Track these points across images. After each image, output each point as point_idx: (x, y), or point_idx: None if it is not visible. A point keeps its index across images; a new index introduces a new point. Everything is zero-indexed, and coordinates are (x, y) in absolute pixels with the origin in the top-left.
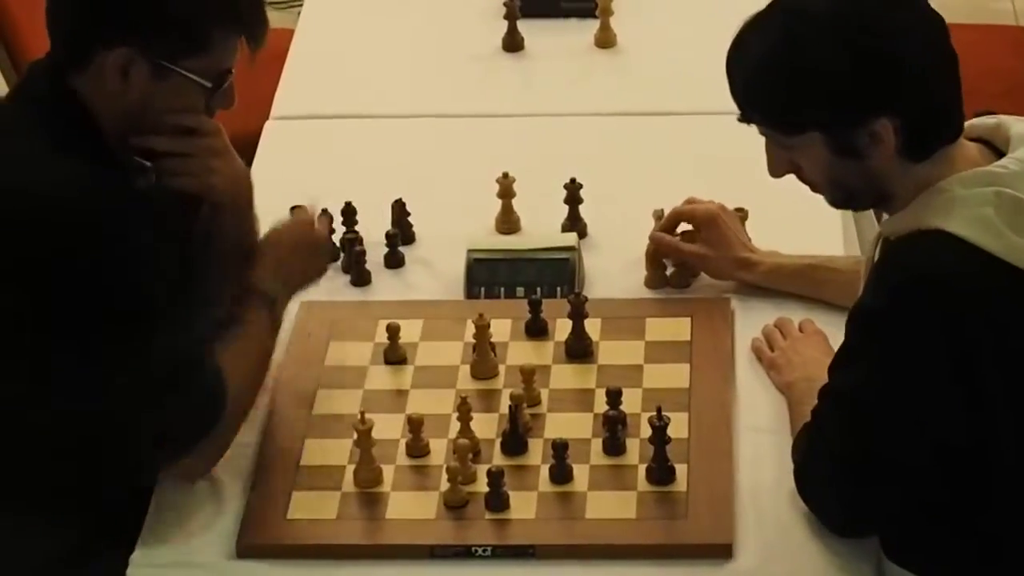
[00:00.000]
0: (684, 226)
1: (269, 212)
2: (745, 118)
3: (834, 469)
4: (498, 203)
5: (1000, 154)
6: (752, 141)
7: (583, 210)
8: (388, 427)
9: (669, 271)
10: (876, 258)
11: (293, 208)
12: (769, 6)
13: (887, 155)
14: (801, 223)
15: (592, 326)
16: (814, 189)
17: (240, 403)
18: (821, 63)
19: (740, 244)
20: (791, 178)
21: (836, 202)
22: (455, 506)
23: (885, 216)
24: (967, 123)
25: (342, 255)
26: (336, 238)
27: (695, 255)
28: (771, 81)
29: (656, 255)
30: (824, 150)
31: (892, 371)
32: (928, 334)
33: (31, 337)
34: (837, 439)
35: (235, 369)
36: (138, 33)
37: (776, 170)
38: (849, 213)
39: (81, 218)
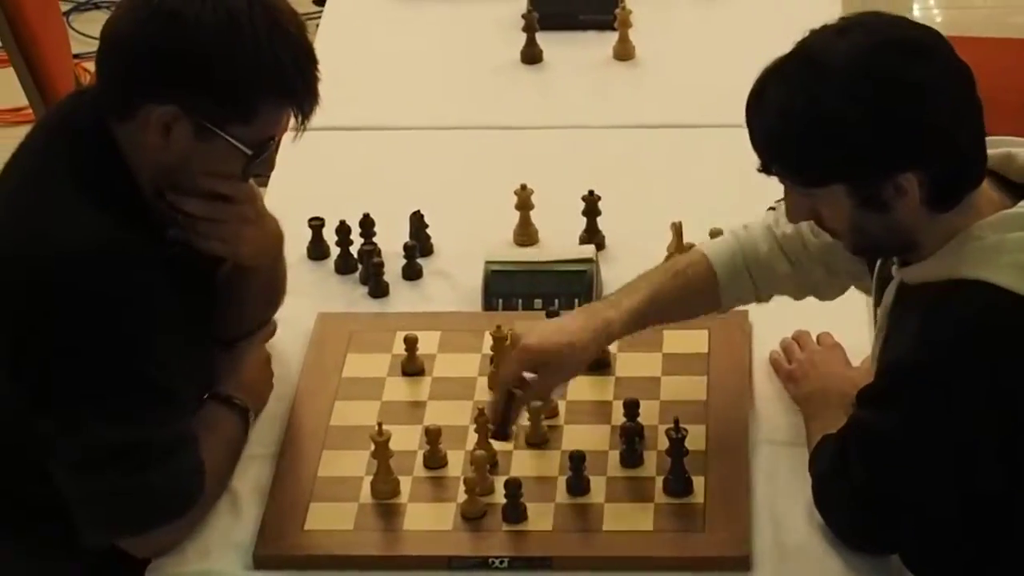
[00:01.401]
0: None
1: (288, 224)
2: (765, 168)
3: (852, 494)
4: (516, 215)
5: (1012, 184)
6: None
7: (601, 222)
8: (406, 438)
9: None
10: (893, 303)
11: (311, 220)
12: (790, 54)
13: (912, 207)
14: None
15: None
16: (834, 236)
17: (211, 492)
18: (841, 119)
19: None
20: None
21: (857, 250)
22: (472, 517)
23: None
24: None
25: (360, 267)
26: (354, 250)
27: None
28: (791, 135)
29: None
30: (846, 200)
31: (930, 424)
32: (974, 387)
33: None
34: (861, 474)
35: (211, 463)
36: (188, 93)
37: (795, 217)
38: None
39: (91, 284)
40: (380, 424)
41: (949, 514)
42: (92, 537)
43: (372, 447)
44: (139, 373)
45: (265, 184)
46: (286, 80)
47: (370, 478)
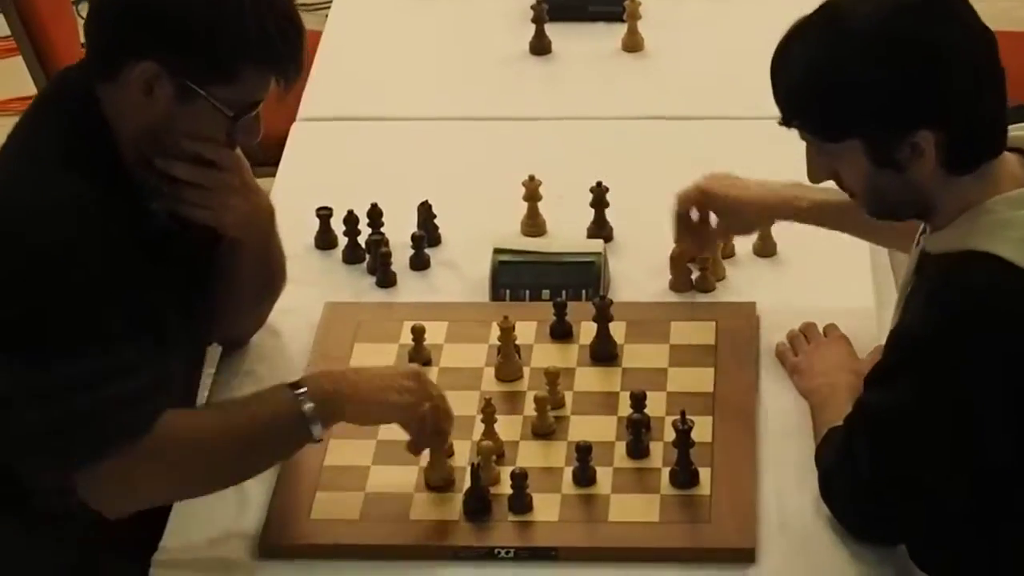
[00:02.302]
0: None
1: (296, 213)
2: (786, 122)
3: (859, 484)
4: (524, 206)
5: None
6: (781, 148)
7: (609, 213)
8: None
9: (694, 275)
10: (914, 269)
11: (319, 210)
12: (814, 13)
13: (928, 168)
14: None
15: (617, 329)
16: (853, 197)
17: (179, 458)
18: (862, 76)
19: (754, 197)
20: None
21: (874, 212)
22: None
23: (924, 227)
24: None
25: (367, 256)
26: (362, 240)
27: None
28: (812, 90)
29: (681, 259)
30: (864, 159)
31: (937, 396)
32: (977, 358)
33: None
34: (866, 456)
35: (198, 423)
36: (168, 50)
37: (816, 176)
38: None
39: (57, 238)
40: None
41: (955, 497)
42: (42, 478)
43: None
44: (93, 321)
45: (273, 174)
46: (269, 45)
47: (376, 468)
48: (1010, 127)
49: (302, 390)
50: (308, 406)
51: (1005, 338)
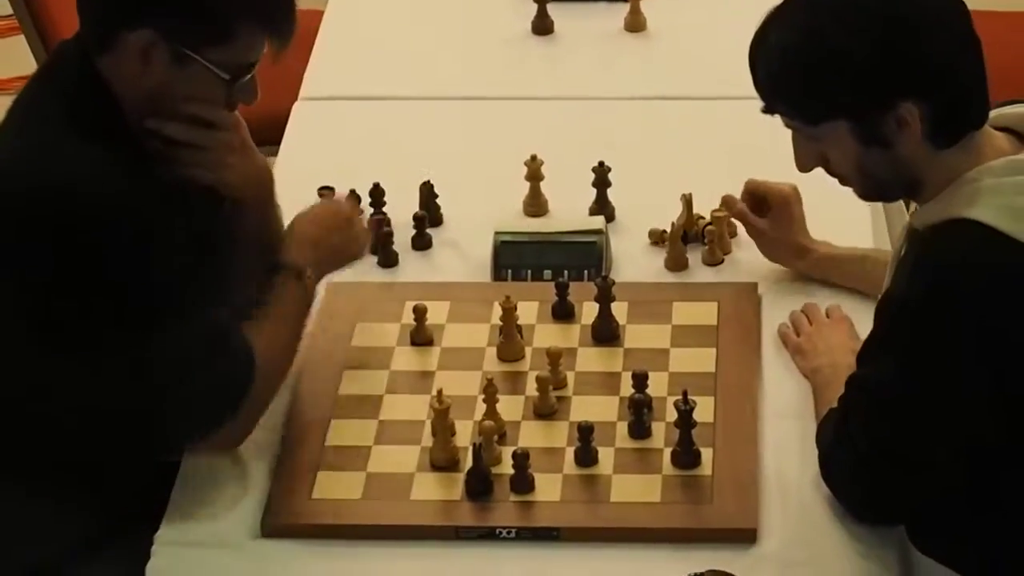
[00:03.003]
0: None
1: (298, 192)
2: (769, 109)
3: (857, 462)
4: (526, 186)
5: None
6: (782, 128)
7: (611, 193)
8: (414, 408)
9: (703, 250)
10: (904, 248)
11: (321, 189)
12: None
13: (914, 140)
14: (830, 213)
15: (619, 309)
16: (843, 182)
17: (271, 374)
18: (843, 49)
19: (801, 230)
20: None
21: (866, 194)
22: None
23: (914, 206)
24: (995, 112)
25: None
26: (364, 219)
27: (758, 228)
28: (794, 69)
29: (677, 236)
30: (851, 139)
31: (923, 361)
32: (959, 322)
33: (44, 319)
34: (861, 432)
35: (264, 341)
36: (162, 16)
37: (804, 164)
38: (878, 204)
39: (97, 211)
40: (440, 391)
41: (950, 473)
42: (163, 449)
43: (431, 415)
44: (150, 286)
45: (275, 153)
46: (264, 4)
47: (378, 447)
48: (1001, 108)
49: (308, 275)
50: (312, 281)
51: (987, 303)
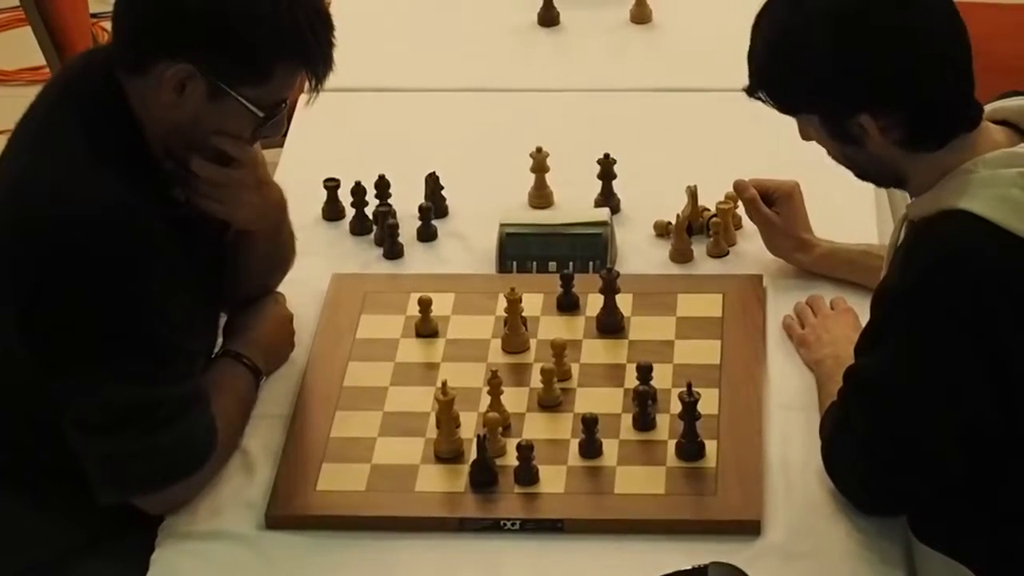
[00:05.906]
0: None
1: (303, 184)
2: (751, 91)
3: (858, 452)
4: (531, 177)
5: None
6: (788, 119)
7: (616, 185)
8: (418, 400)
9: (708, 241)
10: (901, 239)
11: (326, 182)
12: None
13: (879, 145)
14: (834, 203)
15: (624, 301)
16: (838, 161)
17: (224, 448)
18: (806, 56)
19: (804, 226)
20: (824, 159)
21: (857, 176)
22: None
23: (910, 197)
24: (992, 105)
25: (375, 228)
26: (369, 211)
27: (766, 219)
28: (771, 65)
29: (681, 227)
30: (823, 132)
31: (920, 351)
32: (954, 311)
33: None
34: (861, 423)
35: (222, 420)
36: (204, 52)
37: (803, 135)
38: (883, 195)
39: (102, 248)
40: (445, 383)
41: (950, 462)
42: (106, 496)
43: (436, 407)
44: (151, 334)
45: (281, 145)
46: (303, 43)
47: (383, 439)
48: (1000, 101)
49: (248, 361)
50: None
51: (978, 292)
